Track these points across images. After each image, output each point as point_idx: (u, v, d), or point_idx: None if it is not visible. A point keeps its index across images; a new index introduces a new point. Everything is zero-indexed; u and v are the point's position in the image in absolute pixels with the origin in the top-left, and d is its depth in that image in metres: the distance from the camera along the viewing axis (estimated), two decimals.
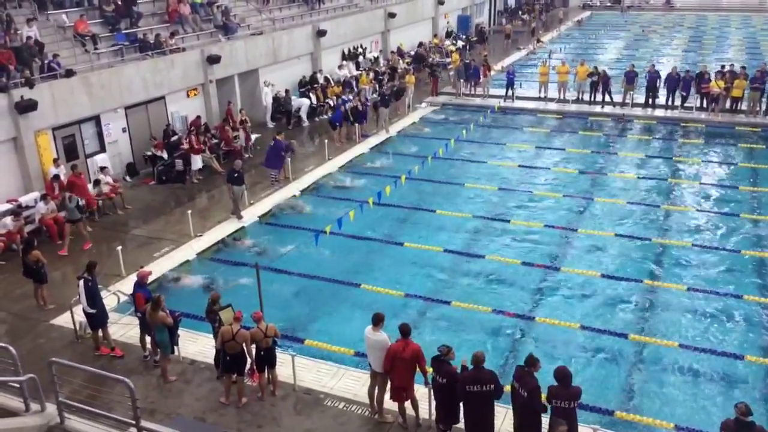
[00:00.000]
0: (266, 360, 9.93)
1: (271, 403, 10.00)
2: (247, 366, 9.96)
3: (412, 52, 34.15)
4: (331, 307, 13.09)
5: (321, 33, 27.66)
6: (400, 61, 31.86)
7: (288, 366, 10.19)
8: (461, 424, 8.76)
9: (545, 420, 8.26)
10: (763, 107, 24.08)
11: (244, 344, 9.70)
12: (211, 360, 10.47)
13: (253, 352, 9.85)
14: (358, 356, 10.89)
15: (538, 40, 41.31)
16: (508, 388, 8.68)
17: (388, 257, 15.03)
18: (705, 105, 24.60)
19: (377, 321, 9.22)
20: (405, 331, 9.00)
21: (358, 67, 30.53)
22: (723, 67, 25.60)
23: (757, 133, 22.85)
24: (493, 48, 39.27)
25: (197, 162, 19.61)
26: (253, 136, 22.09)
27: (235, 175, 16.53)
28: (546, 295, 13.24)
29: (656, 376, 10.80)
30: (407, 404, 9.31)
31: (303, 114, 25.15)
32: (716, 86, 24.06)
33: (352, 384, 10.28)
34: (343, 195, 18.45)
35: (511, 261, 14.50)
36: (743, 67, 24.95)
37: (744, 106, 24.20)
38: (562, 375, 8.15)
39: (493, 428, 8.66)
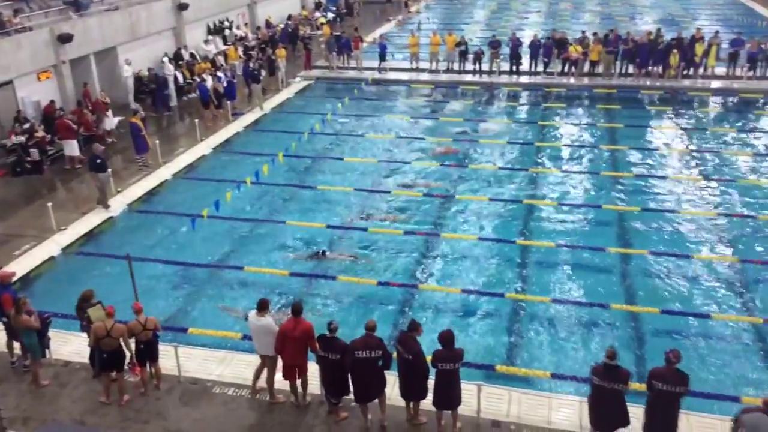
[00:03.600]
0: (147, 353, 9.52)
1: (156, 397, 9.61)
2: (127, 361, 9.48)
3: (282, 25, 33.44)
4: (215, 291, 12.74)
5: (182, 6, 26.39)
6: (269, 35, 31.05)
7: (171, 357, 9.82)
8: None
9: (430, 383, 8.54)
10: (617, 70, 25.79)
11: (121, 339, 9.22)
12: (86, 360, 9.89)
13: (133, 346, 9.39)
14: (245, 339, 10.67)
15: (408, 11, 41.77)
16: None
17: (271, 237, 14.79)
18: (565, 70, 26.01)
19: (262, 307, 9.07)
20: (297, 309, 8.93)
21: (225, 42, 29.47)
22: (584, 33, 27.08)
23: (613, 94, 24.49)
24: (364, 19, 39.26)
25: (73, 148, 18.12)
26: (116, 119, 20.77)
27: (98, 161, 15.47)
28: (428, 262, 13.57)
29: (533, 331, 11.40)
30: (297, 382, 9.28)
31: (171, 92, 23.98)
32: (575, 51, 25.50)
33: (241, 369, 10.07)
34: (218, 176, 17.84)
35: (394, 231, 14.71)
36: (595, 33, 26.57)
37: (600, 70, 25.82)
38: (446, 338, 8.42)
39: (383, 393, 8.84)
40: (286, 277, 12.97)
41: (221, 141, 20.49)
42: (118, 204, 16.03)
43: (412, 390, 8.73)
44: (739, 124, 21.70)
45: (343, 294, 12.42)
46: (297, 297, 11.90)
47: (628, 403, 8.13)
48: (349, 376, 8.76)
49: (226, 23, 30.77)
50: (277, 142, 20.02)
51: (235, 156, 19.51)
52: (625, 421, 8.13)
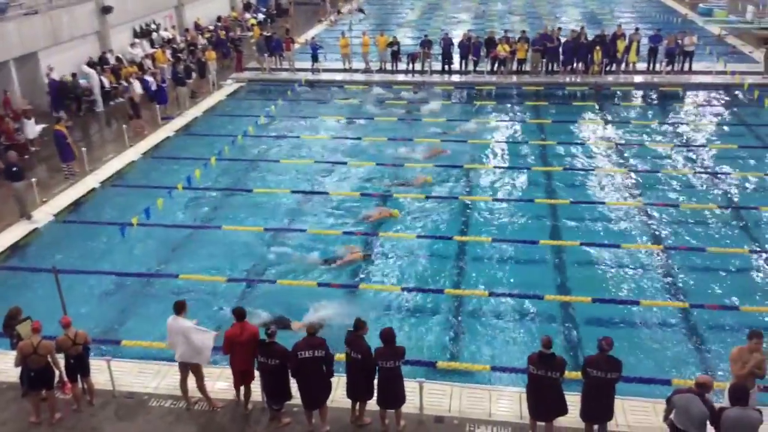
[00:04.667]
0: (78, 368, 9.18)
1: (90, 414, 9.28)
2: (56, 378, 9.11)
3: (211, 27, 32.84)
4: (149, 302, 12.39)
5: (106, 9, 25.52)
6: (199, 37, 30.46)
7: (104, 371, 9.49)
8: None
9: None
10: (544, 67, 26.50)
11: (49, 356, 8.84)
12: (14, 379, 9.44)
13: (62, 362, 9.02)
14: None
15: (339, 12, 41.70)
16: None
17: (206, 243, 14.48)
18: (494, 68, 26.53)
19: (179, 308, 8.99)
20: (240, 314, 8.83)
21: (152, 45, 28.69)
22: (506, 32, 27.71)
23: (540, 91, 25.13)
24: (296, 21, 38.97)
25: None
26: (39, 127, 19.91)
27: (13, 169, 14.76)
28: (368, 262, 13.57)
29: (472, 325, 11.58)
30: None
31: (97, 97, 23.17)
32: (503, 50, 26.04)
33: (178, 380, 9.77)
34: (149, 182, 17.36)
35: (333, 232, 14.66)
36: (523, 31, 27.26)
37: (528, 68, 26.45)
38: (387, 336, 8.46)
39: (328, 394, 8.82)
40: (224, 283, 12.74)
41: (151, 146, 19.92)
42: (44, 215, 15.39)
43: (360, 390, 8.74)
44: (661, 116, 22.65)
45: (284, 297, 12.27)
46: (237, 303, 11.68)
47: (565, 392, 8.36)
48: (295, 380, 8.67)
49: (153, 26, 29.98)
50: (209, 145, 19.64)
51: (166, 161, 19.02)
52: (563, 410, 8.34)
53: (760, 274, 12.93)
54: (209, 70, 25.97)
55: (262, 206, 16.24)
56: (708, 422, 7.40)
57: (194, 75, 25.29)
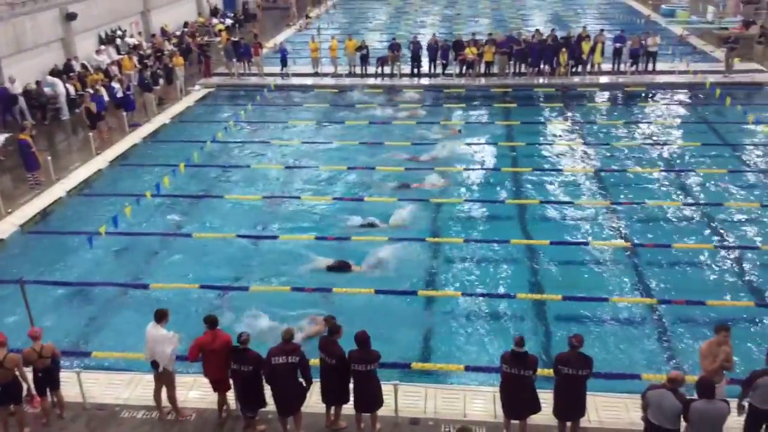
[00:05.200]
0: (46, 382, 9.01)
1: (60, 427, 9.13)
2: (24, 392, 8.93)
3: (178, 33, 32.54)
4: (119, 312, 12.22)
5: (71, 16, 25.19)
6: (166, 43, 30.15)
7: (74, 383, 9.34)
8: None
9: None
10: (511, 69, 26.79)
11: (16, 369, 8.66)
12: None
13: (29, 375, 8.85)
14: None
15: (307, 17, 41.64)
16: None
17: (177, 251, 14.34)
18: (462, 71, 26.74)
19: (160, 317, 8.90)
20: (212, 321, 8.76)
21: (118, 52, 28.33)
22: (473, 35, 27.96)
23: (509, 93, 25.39)
24: (264, 25, 38.81)
25: None
26: (2, 136, 19.50)
27: None
28: (342, 268, 13.50)
29: (445, 326, 11.64)
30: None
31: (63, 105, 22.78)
32: (470, 53, 26.26)
33: (149, 390, 9.63)
34: (117, 191, 17.13)
35: (306, 237, 14.62)
36: (490, 34, 27.53)
37: (495, 70, 26.72)
38: (361, 339, 8.47)
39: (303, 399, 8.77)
40: (196, 291, 12.62)
41: (118, 154, 19.68)
42: (9, 226, 15.11)
43: (335, 394, 8.74)
44: (626, 116, 23.04)
45: (258, 303, 12.20)
46: (211, 311, 11.55)
47: (538, 390, 8.45)
48: (270, 387, 8.63)
49: (119, 32, 29.61)
50: (178, 152, 19.44)
51: (133, 169, 18.79)
52: (536, 407, 8.44)
53: (725, 269, 13.23)
54: (177, 76, 25.73)
55: (234, 213, 16.12)
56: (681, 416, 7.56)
57: (161, 81, 25.02)
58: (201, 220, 15.74)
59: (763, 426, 8.15)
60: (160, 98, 24.22)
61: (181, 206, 16.50)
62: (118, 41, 29.09)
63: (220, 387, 9.00)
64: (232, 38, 29.64)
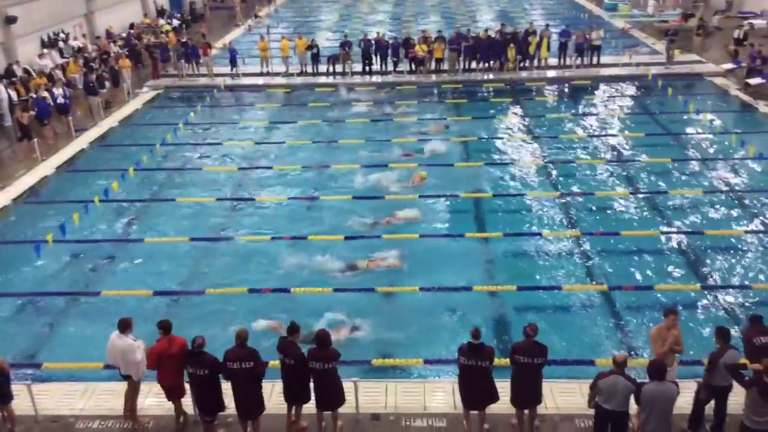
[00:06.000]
0: None
1: None
2: None
3: (124, 35, 31.81)
4: (70, 321, 11.94)
5: (11, 20, 24.43)
6: (111, 45, 29.45)
7: (25, 396, 9.08)
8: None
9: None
10: (461, 66, 27.07)
11: None
12: None
13: None
14: (109, 368, 10.06)
15: (256, 16, 41.23)
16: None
17: (129, 257, 14.06)
18: (413, 68, 26.89)
19: (124, 326, 8.74)
20: (166, 326, 8.62)
21: (62, 55, 27.53)
22: (423, 32, 28.16)
23: (459, 89, 25.66)
24: (212, 25, 38.27)
25: None
26: None
27: None
28: (299, 267, 13.44)
29: (405, 321, 11.69)
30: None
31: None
32: (420, 50, 26.43)
33: (105, 399, 9.52)
34: (64, 197, 16.69)
35: (262, 238, 14.51)
36: (439, 31, 27.76)
37: (446, 66, 26.95)
38: (320, 337, 8.47)
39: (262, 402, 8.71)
40: (150, 297, 12.40)
41: (65, 159, 19.16)
42: None
43: (295, 394, 8.72)
44: (573, 108, 23.55)
45: (215, 306, 12.06)
46: (165, 316, 11.35)
47: (496, 379, 8.59)
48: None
49: (62, 35, 28.78)
50: (127, 156, 19.07)
51: (81, 174, 18.35)
52: (494, 397, 8.59)
53: (671, 254, 13.68)
54: (123, 79, 25.17)
55: (186, 216, 15.88)
56: (632, 397, 7.79)
57: (108, 84, 24.45)
58: (153, 224, 15.46)
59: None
60: (107, 101, 23.66)
61: (132, 211, 16.17)
62: (62, 44, 28.29)
63: (173, 394, 8.85)
64: (181, 39, 29.14)
